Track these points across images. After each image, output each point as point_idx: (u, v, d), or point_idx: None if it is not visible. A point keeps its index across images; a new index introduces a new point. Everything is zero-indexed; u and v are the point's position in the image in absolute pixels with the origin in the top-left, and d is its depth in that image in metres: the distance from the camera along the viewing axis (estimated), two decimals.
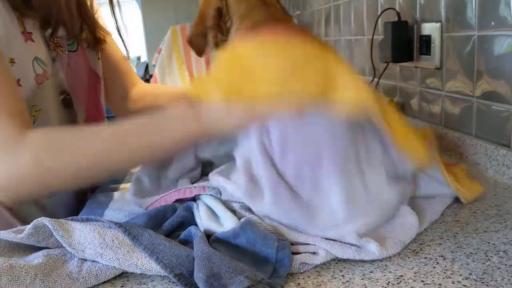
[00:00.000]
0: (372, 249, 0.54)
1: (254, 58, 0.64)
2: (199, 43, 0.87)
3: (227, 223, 0.59)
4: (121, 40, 0.97)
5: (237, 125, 0.64)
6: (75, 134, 0.64)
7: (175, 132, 0.64)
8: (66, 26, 0.81)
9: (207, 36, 0.85)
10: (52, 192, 0.67)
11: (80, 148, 0.62)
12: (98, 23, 0.92)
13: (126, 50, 1.00)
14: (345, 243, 0.55)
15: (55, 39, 0.79)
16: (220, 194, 0.64)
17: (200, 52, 0.88)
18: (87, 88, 0.87)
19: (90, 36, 0.89)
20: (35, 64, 0.73)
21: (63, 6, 0.78)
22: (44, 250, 0.55)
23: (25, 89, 0.72)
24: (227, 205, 0.63)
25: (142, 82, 1.05)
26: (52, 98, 0.78)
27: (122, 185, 0.88)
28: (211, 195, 0.64)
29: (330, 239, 0.56)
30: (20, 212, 0.75)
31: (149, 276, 0.53)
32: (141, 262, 0.51)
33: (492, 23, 0.82)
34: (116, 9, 0.92)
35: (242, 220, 0.58)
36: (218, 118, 0.63)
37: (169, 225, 0.61)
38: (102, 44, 0.92)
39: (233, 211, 0.62)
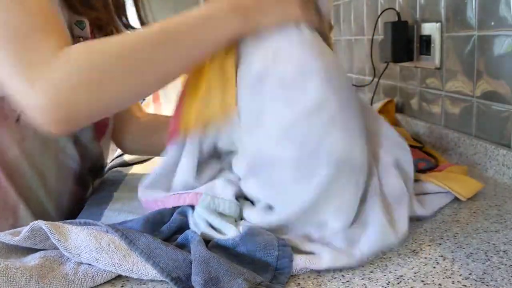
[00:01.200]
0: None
1: None
2: None
3: (225, 231, 0.58)
4: None
5: (280, 20, 0.63)
6: (116, 39, 0.60)
7: (221, 27, 0.62)
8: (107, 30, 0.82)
9: None
10: (107, 107, 0.61)
11: (125, 52, 0.58)
12: (121, 25, 0.91)
13: None
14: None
15: (79, 38, 0.79)
16: (214, 203, 0.61)
17: None
18: None
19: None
20: None
21: (111, 9, 0.80)
22: (42, 251, 0.55)
23: None
24: (223, 215, 0.61)
25: (144, 110, 1.03)
26: None
27: (121, 187, 0.88)
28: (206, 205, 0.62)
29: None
30: (25, 193, 0.75)
31: None
32: (137, 267, 0.51)
33: (492, 23, 0.82)
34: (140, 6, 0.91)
35: (242, 230, 0.56)
36: (261, 15, 0.63)
37: (167, 229, 0.60)
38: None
39: (231, 221, 0.60)
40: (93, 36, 0.83)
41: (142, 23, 0.91)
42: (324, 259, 0.53)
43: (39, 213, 0.76)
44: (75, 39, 0.78)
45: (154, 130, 0.96)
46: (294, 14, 0.64)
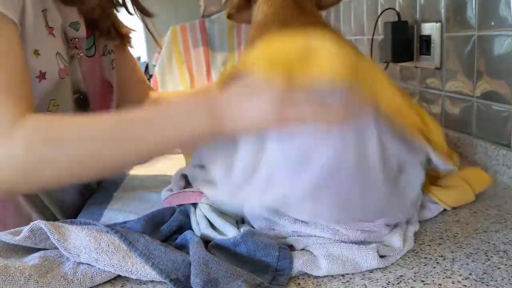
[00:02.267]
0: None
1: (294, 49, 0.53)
2: (244, 17, 0.85)
3: (226, 232, 0.58)
4: (148, 32, 0.95)
5: (261, 121, 0.53)
6: (75, 121, 0.59)
7: (183, 125, 0.56)
8: (99, 23, 0.81)
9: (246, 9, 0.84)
10: (46, 186, 0.60)
11: (78, 136, 0.57)
12: (120, 20, 0.91)
13: (155, 40, 0.97)
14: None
15: (74, 39, 0.79)
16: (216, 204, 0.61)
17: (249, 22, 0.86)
18: (99, 95, 0.87)
19: (116, 33, 0.88)
20: (58, 59, 0.72)
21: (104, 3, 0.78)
22: (42, 251, 0.55)
23: (49, 82, 0.72)
24: (225, 215, 0.61)
25: (154, 90, 1.04)
26: (68, 96, 0.78)
27: (121, 187, 0.88)
28: (208, 204, 0.63)
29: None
30: (35, 202, 0.76)
31: None
32: (136, 268, 0.51)
33: (492, 23, 0.82)
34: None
35: (242, 229, 0.56)
36: (238, 110, 0.54)
37: (167, 229, 0.60)
38: (129, 40, 0.91)
39: (232, 221, 0.61)
40: (89, 34, 0.82)
41: (144, 12, 0.90)
42: (322, 265, 0.52)
43: (49, 217, 0.77)
44: (71, 41, 0.78)
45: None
46: (270, 114, 0.52)
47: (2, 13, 0.62)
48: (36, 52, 0.69)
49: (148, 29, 0.95)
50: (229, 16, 0.86)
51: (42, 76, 0.70)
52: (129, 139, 0.56)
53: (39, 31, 0.69)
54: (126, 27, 0.92)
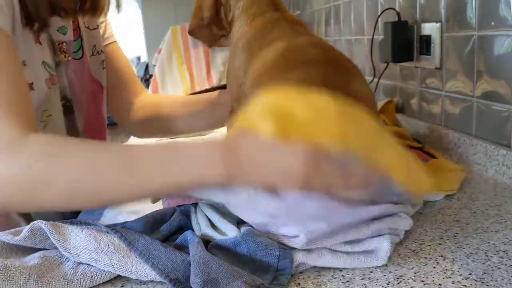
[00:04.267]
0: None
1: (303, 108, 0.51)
2: (204, 35, 0.83)
3: (227, 232, 0.58)
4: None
5: (284, 182, 0.50)
6: (79, 146, 0.57)
7: (193, 173, 0.53)
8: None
9: (210, 27, 0.81)
10: (41, 208, 0.58)
11: (83, 164, 0.55)
12: None
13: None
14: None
15: (61, 44, 0.78)
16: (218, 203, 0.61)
17: (210, 43, 0.84)
18: (89, 96, 0.87)
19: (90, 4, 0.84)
20: (43, 68, 0.72)
21: None
22: (41, 251, 0.56)
23: (38, 93, 0.71)
24: (226, 215, 0.61)
25: (146, 91, 1.04)
26: (57, 104, 0.78)
27: None
28: (210, 204, 0.62)
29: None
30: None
31: None
32: (136, 268, 0.51)
33: (492, 23, 0.82)
34: None
35: (243, 229, 0.56)
36: (257, 167, 0.51)
37: (167, 229, 0.60)
38: (104, 9, 0.87)
39: (232, 221, 0.60)
40: (77, 36, 0.82)
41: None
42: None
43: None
44: (59, 44, 0.78)
45: (157, 105, 0.98)
46: (292, 174, 0.50)
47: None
48: (23, 63, 0.68)
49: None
50: (191, 33, 0.82)
51: (29, 87, 0.69)
52: (134, 178, 0.54)
53: (27, 40, 0.69)
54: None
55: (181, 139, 0.60)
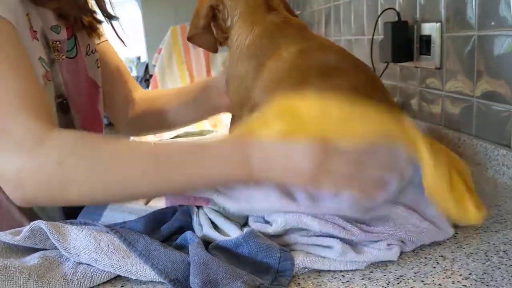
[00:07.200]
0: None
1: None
2: (202, 42, 0.84)
3: (229, 232, 0.58)
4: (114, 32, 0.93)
5: (296, 178, 0.53)
6: (108, 143, 0.58)
7: (216, 171, 0.55)
8: (65, 11, 0.79)
9: (208, 33, 0.82)
10: (67, 203, 0.60)
11: (111, 160, 0.56)
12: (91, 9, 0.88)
13: (121, 40, 0.95)
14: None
15: (54, 42, 0.78)
16: (223, 209, 0.61)
17: (209, 49, 0.85)
18: (85, 96, 0.86)
19: (87, 21, 0.86)
20: (40, 64, 0.72)
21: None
22: (41, 251, 0.55)
23: None
24: (229, 218, 0.61)
25: (141, 88, 1.04)
26: (52, 101, 0.78)
27: None
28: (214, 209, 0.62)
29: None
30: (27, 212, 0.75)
31: None
32: (136, 268, 0.51)
33: (492, 23, 0.82)
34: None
35: (245, 230, 0.56)
36: (274, 163, 0.54)
37: (168, 229, 0.60)
38: (98, 26, 0.89)
39: (235, 222, 0.60)
40: (70, 35, 0.82)
41: (107, 15, 0.88)
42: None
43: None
44: (53, 43, 0.78)
45: (152, 100, 0.98)
46: (301, 171, 0.53)
47: (5, 18, 0.61)
48: None
49: (117, 34, 0.93)
50: (189, 39, 0.83)
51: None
52: (161, 173, 0.56)
53: (25, 36, 0.69)
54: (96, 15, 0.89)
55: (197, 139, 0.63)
